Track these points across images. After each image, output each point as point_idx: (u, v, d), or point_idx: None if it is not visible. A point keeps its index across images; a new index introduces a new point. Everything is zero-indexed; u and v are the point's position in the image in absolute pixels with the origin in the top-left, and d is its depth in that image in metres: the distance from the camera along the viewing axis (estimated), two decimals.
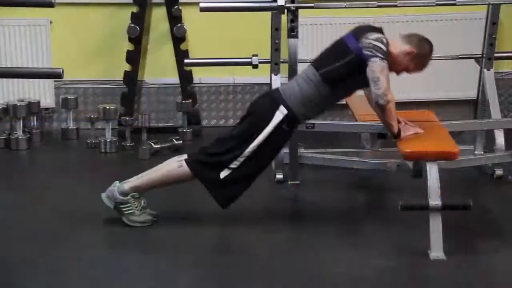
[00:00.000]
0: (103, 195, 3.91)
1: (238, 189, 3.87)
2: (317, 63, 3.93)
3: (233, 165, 3.80)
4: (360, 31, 3.88)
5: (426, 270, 3.44)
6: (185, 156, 3.89)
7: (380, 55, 3.78)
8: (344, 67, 3.83)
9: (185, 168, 3.84)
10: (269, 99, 3.90)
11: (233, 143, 3.82)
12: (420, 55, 3.93)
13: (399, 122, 3.96)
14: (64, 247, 3.68)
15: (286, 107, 3.82)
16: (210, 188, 3.87)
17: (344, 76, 3.84)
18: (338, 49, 3.91)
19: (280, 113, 3.81)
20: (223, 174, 3.81)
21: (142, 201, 3.91)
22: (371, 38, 3.81)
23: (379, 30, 3.91)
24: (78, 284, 3.32)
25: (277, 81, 4.65)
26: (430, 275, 3.41)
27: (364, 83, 3.87)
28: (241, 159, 3.80)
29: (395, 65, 3.91)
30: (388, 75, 3.83)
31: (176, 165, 3.87)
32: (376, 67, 3.78)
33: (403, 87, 5.98)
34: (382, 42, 3.81)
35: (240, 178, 3.83)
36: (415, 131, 3.96)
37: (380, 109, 3.90)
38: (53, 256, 3.57)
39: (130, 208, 3.88)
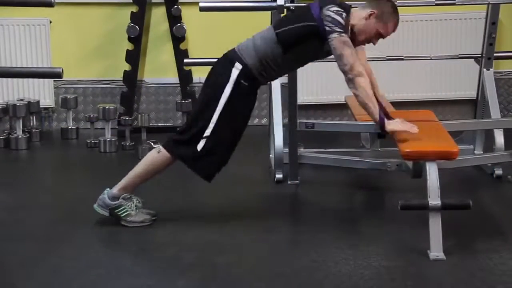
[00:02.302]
0: (96, 206, 3.90)
1: (219, 157, 3.84)
2: (276, 23, 3.94)
3: (206, 134, 3.78)
4: (326, 1, 3.80)
5: (425, 270, 3.44)
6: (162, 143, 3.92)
7: (338, 29, 3.72)
8: (300, 30, 3.78)
9: (163, 152, 3.84)
10: (224, 59, 3.88)
11: (199, 112, 3.82)
12: (382, 13, 3.83)
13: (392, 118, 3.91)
14: (64, 247, 3.68)
15: (241, 62, 3.80)
16: (191, 164, 3.85)
17: (298, 39, 3.79)
18: (301, 13, 3.91)
19: (236, 69, 3.79)
20: (200, 145, 3.79)
21: (135, 200, 3.90)
22: (331, 10, 3.75)
23: (345, 7, 3.81)
24: (78, 284, 3.31)
25: (276, 81, 4.65)
26: (429, 275, 3.41)
27: (318, 53, 3.85)
28: (211, 125, 3.77)
29: (364, 34, 3.84)
30: (352, 49, 3.74)
31: (154, 153, 3.87)
32: (335, 43, 3.73)
33: (403, 87, 6.01)
34: (340, 15, 3.74)
35: (218, 145, 3.80)
36: (408, 127, 3.79)
37: (352, 85, 3.77)
38: (53, 256, 3.57)
39: (125, 209, 3.87)
